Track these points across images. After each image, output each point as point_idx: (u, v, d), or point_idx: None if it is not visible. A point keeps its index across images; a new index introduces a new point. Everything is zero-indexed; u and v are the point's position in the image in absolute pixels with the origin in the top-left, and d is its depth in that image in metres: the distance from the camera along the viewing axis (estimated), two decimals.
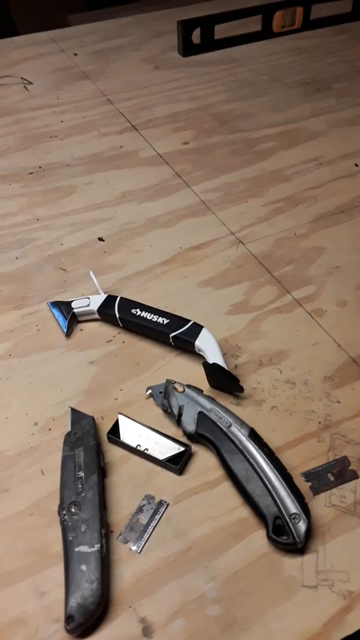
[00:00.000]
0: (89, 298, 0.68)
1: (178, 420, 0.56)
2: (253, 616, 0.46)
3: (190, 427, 0.55)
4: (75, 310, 0.67)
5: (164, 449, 0.54)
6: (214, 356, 0.60)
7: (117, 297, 0.67)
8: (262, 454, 0.52)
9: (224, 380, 0.59)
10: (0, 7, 1.78)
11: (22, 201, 0.86)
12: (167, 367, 0.63)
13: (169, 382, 0.58)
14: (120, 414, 0.57)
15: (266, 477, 0.50)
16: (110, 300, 0.67)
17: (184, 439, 0.56)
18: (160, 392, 0.59)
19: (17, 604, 0.47)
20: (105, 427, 0.57)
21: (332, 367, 0.63)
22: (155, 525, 0.51)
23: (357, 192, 0.86)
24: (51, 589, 0.47)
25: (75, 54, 1.23)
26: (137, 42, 1.28)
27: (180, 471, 0.54)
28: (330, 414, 0.58)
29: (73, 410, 0.57)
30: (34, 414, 0.59)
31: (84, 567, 0.46)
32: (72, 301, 0.68)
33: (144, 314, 0.65)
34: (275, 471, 0.51)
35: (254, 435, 0.53)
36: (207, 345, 0.61)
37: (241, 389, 0.59)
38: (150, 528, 0.50)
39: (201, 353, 0.62)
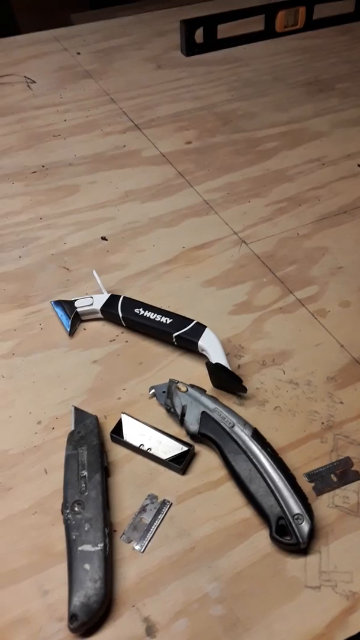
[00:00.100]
0: (92, 297, 0.68)
1: (181, 420, 0.56)
2: (256, 616, 0.46)
3: (194, 426, 0.55)
4: (78, 310, 0.67)
5: (167, 448, 0.55)
6: (217, 356, 0.60)
7: (120, 296, 0.67)
8: (265, 454, 0.52)
9: (227, 380, 0.59)
10: (3, 6, 1.78)
11: (25, 200, 0.86)
12: (170, 367, 0.63)
13: (172, 382, 0.58)
14: (124, 413, 0.57)
15: (269, 478, 0.50)
16: (113, 299, 0.67)
17: (187, 439, 0.56)
18: (164, 392, 0.59)
19: (20, 602, 0.47)
20: (108, 427, 0.57)
21: (335, 367, 0.63)
22: (159, 524, 0.51)
23: None
24: (54, 587, 0.47)
25: (79, 53, 1.23)
26: (140, 41, 1.28)
27: (183, 471, 0.54)
28: (333, 414, 0.59)
29: (76, 409, 0.57)
30: (37, 412, 0.59)
31: (87, 566, 0.46)
32: (75, 300, 0.68)
33: (147, 314, 0.65)
34: (279, 471, 0.51)
35: (257, 436, 0.53)
36: (210, 345, 0.61)
37: (244, 389, 0.59)
38: (153, 527, 0.50)
39: (204, 353, 0.62)
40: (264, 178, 0.89)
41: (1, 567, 0.49)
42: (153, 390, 0.60)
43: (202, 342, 0.61)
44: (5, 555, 0.49)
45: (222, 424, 0.54)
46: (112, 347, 0.65)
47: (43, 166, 0.92)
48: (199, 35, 1.20)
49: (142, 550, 0.49)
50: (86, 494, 0.50)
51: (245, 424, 0.54)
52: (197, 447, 0.56)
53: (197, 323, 0.63)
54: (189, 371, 0.62)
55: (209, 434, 0.54)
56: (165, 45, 1.26)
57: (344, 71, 1.16)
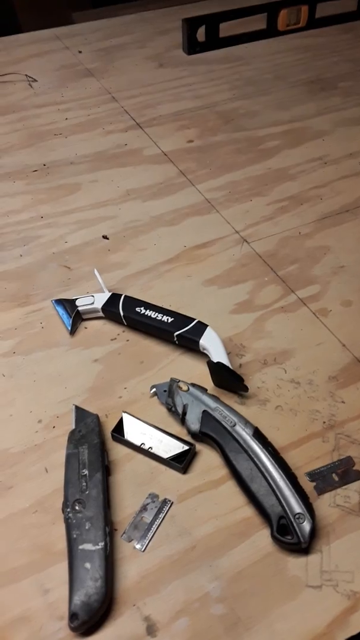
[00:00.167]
0: (93, 296, 0.68)
1: (182, 419, 0.56)
2: (257, 616, 0.46)
3: (195, 425, 0.55)
4: (79, 308, 0.67)
5: (168, 447, 0.54)
6: (219, 355, 0.60)
7: (121, 295, 0.67)
8: (267, 454, 0.52)
9: (228, 379, 0.59)
10: (4, 4, 1.77)
11: (27, 199, 0.86)
12: (171, 366, 0.63)
13: (173, 381, 0.58)
14: (125, 412, 0.57)
15: (270, 477, 0.50)
16: (114, 298, 0.67)
17: (188, 438, 0.56)
18: (165, 391, 0.58)
19: (21, 601, 0.47)
20: (109, 425, 0.57)
21: (337, 367, 0.63)
22: (160, 523, 0.51)
23: None
24: (55, 586, 0.47)
25: (80, 52, 1.23)
26: (142, 39, 1.28)
27: (184, 470, 0.54)
28: (334, 414, 0.58)
29: (77, 408, 0.57)
30: (38, 411, 0.59)
31: (88, 565, 0.46)
32: (76, 299, 0.68)
33: (149, 313, 0.65)
34: (280, 471, 0.51)
35: (258, 435, 0.53)
36: (212, 344, 0.61)
37: (245, 388, 0.59)
38: (154, 526, 0.50)
39: (205, 352, 0.62)
40: (265, 177, 0.89)
41: (2, 565, 0.49)
42: (154, 389, 0.60)
43: (203, 341, 0.61)
44: (6, 554, 0.49)
45: (223, 423, 0.54)
46: (113, 346, 0.65)
47: (44, 165, 0.92)
48: (200, 33, 1.20)
49: (142, 549, 0.49)
50: (87, 492, 0.50)
51: (246, 423, 0.54)
52: (198, 446, 0.56)
53: (199, 322, 0.63)
54: (190, 370, 0.62)
55: (210, 433, 0.54)
56: (167, 43, 1.26)
57: (346, 70, 1.15)
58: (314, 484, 0.53)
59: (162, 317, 0.64)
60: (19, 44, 1.26)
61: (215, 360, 0.59)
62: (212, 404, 0.56)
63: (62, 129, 1.00)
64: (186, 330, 0.62)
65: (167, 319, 0.64)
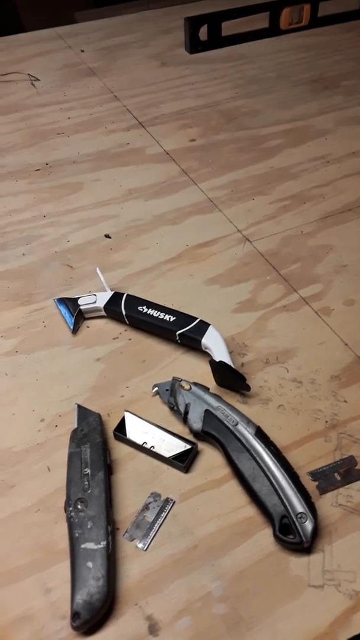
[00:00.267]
0: (95, 295, 0.68)
1: (184, 418, 0.56)
2: (259, 615, 0.45)
3: (197, 425, 0.55)
4: (81, 307, 0.67)
5: (170, 446, 0.54)
6: (221, 354, 0.60)
7: (123, 294, 0.67)
8: (269, 453, 0.52)
9: (230, 378, 0.59)
10: (7, 4, 1.78)
11: (29, 198, 0.86)
12: (173, 365, 0.63)
13: (176, 380, 0.58)
14: (127, 411, 0.57)
15: (273, 476, 0.50)
16: (116, 297, 0.67)
17: (190, 437, 0.56)
18: (167, 390, 0.58)
19: (23, 600, 0.47)
20: (111, 424, 0.57)
21: (339, 366, 0.62)
22: (162, 522, 0.51)
23: None
24: (57, 585, 0.47)
25: (82, 51, 1.23)
26: (144, 38, 1.28)
27: (186, 469, 0.54)
28: (337, 413, 0.58)
29: (79, 407, 0.57)
30: (40, 410, 0.59)
31: (90, 564, 0.46)
32: (78, 298, 0.68)
33: (151, 311, 0.64)
34: (282, 470, 0.50)
35: (260, 434, 0.53)
36: (214, 343, 0.61)
37: (248, 388, 0.59)
38: (156, 526, 0.50)
39: (207, 351, 0.62)
40: (268, 176, 0.89)
41: (4, 565, 0.49)
42: (156, 388, 0.60)
43: (205, 340, 0.61)
44: (8, 553, 0.49)
45: (225, 422, 0.54)
46: (116, 345, 0.65)
47: (47, 164, 0.92)
48: (203, 32, 1.20)
49: (144, 549, 0.49)
50: (89, 491, 0.50)
51: (248, 422, 0.54)
52: (200, 445, 0.56)
53: (201, 321, 0.63)
54: (192, 369, 0.62)
55: (212, 432, 0.54)
56: (170, 42, 1.25)
57: (348, 69, 1.15)
58: (316, 483, 0.53)
59: (165, 316, 0.64)
60: (22, 44, 1.26)
61: (217, 359, 0.59)
62: (214, 403, 0.55)
63: (65, 128, 1.00)
64: (188, 329, 0.62)
65: (170, 318, 0.64)
